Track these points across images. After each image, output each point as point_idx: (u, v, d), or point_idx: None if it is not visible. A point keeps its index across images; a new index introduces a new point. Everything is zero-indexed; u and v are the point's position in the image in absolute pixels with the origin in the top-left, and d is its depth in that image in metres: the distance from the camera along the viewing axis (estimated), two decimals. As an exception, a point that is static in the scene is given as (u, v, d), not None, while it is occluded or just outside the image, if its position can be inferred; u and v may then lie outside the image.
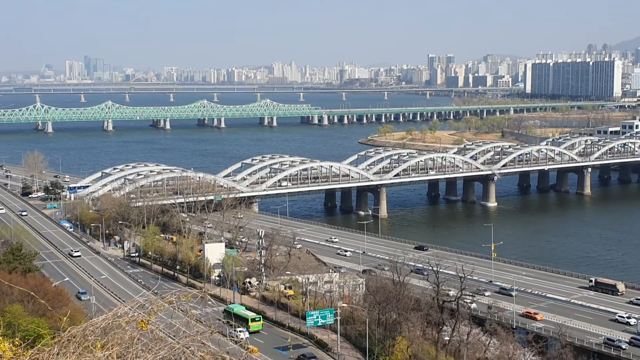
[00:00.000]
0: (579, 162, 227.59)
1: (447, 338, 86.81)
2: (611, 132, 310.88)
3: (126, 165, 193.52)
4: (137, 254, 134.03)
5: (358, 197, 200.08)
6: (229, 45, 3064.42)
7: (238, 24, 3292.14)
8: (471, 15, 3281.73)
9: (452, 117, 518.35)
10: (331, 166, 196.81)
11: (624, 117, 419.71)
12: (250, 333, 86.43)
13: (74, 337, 12.22)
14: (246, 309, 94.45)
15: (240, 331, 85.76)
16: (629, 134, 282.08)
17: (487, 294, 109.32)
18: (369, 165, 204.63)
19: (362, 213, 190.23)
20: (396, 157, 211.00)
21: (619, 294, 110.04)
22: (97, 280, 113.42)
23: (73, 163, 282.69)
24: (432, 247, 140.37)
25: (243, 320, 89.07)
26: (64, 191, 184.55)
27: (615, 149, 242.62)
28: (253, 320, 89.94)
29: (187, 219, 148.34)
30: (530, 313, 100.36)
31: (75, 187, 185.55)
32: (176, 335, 13.84)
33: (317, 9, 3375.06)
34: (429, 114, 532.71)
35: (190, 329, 13.62)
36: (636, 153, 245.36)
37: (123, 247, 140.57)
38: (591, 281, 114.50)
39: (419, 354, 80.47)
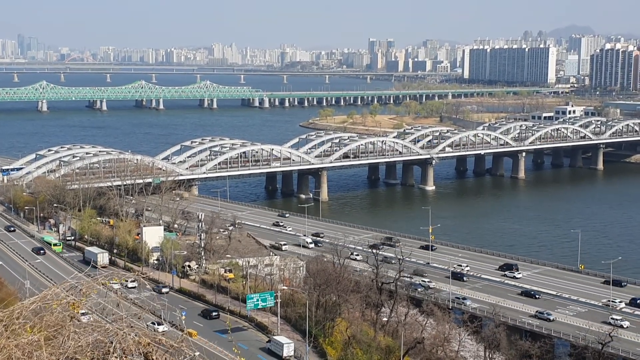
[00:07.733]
0: (513, 146, 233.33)
1: (385, 319, 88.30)
2: (545, 117, 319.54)
3: (61, 147, 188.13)
4: (73, 238, 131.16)
5: (299, 181, 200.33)
6: (167, 25, 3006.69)
7: (178, 2, 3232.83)
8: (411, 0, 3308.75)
9: (392, 101, 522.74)
10: (272, 149, 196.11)
11: (558, 103, 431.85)
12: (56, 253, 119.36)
13: (1, 321, 11.90)
14: (54, 238, 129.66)
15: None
16: (561, 120, 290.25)
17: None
18: (310, 148, 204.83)
19: (303, 196, 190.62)
20: (337, 140, 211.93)
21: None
22: (32, 264, 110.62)
23: (5, 144, 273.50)
24: (373, 230, 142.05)
25: (48, 244, 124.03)
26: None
27: (549, 134, 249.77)
28: (55, 245, 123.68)
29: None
30: None
31: (8, 169, 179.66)
32: (109, 317, 13.64)
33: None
34: (370, 98, 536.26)
35: (124, 311, 13.43)
36: (568, 138, 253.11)
37: (58, 231, 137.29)
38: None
39: (357, 334, 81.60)
